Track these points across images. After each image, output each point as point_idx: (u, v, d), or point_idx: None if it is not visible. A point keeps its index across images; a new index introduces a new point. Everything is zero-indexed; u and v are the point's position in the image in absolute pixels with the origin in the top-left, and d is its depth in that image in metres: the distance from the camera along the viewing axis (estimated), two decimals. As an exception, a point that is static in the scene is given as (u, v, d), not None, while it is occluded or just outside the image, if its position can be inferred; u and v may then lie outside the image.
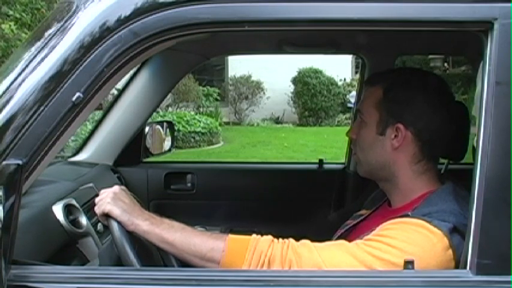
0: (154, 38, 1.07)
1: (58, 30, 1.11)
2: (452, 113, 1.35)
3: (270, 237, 1.20)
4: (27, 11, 8.07)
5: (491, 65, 1.04)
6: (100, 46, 1.06)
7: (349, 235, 1.43)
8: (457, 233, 1.17)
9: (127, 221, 1.21)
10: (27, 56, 1.12)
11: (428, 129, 1.32)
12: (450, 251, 1.16)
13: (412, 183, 1.34)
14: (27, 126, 1.06)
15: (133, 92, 2.24)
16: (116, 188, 1.28)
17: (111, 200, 1.23)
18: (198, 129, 9.96)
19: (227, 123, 12.65)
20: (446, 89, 1.39)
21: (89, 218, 1.71)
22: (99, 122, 2.29)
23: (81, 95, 1.06)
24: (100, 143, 2.27)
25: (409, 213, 1.25)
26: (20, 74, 1.09)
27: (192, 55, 2.25)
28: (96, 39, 1.07)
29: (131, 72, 2.21)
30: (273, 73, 12.56)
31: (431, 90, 1.34)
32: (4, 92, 1.09)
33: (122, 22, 1.06)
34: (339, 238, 1.44)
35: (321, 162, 2.49)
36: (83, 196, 1.80)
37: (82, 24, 1.09)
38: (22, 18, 7.86)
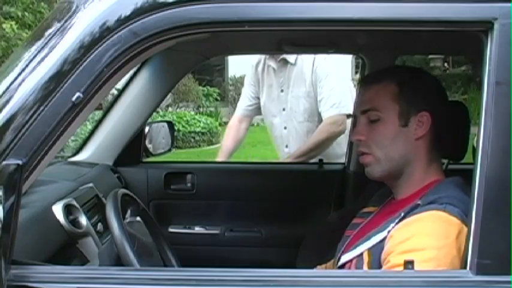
0: (154, 38, 1.07)
1: (58, 30, 1.11)
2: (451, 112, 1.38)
3: None
4: (28, 11, 8.06)
5: (491, 65, 1.04)
6: (100, 46, 1.06)
7: (358, 233, 1.42)
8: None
9: None
10: (27, 56, 1.12)
11: (442, 115, 1.36)
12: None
13: (424, 171, 1.36)
14: (27, 126, 1.06)
15: (133, 92, 2.24)
16: None
17: None
18: (198, 129, 9.97)
19: (227, 123, 12.63)
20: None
21: (88, 218, 1.70)
22: (99, 122, 2.28)
23: (81, 95, 1.06)
24: (100, 143, 2.27)
25: (419, 202, 1.25)
26: (20, 74, 1.09)
27: (192, 55, 2.25)
28: (96, 39, 1.07)
29: (131, 72, 2.20)
30: (273, 73, 12.52)
31: (437, 82, 1.44)
32: (4, 92, 1.09)
33: (122, 22, 1.06)
34: (353, 239, 1.41)
35: (321, 162, 2.48)
36: (83, 196, 1.79)
37: (82, 24, 1.09)
38: (24, 18, 7.85)
